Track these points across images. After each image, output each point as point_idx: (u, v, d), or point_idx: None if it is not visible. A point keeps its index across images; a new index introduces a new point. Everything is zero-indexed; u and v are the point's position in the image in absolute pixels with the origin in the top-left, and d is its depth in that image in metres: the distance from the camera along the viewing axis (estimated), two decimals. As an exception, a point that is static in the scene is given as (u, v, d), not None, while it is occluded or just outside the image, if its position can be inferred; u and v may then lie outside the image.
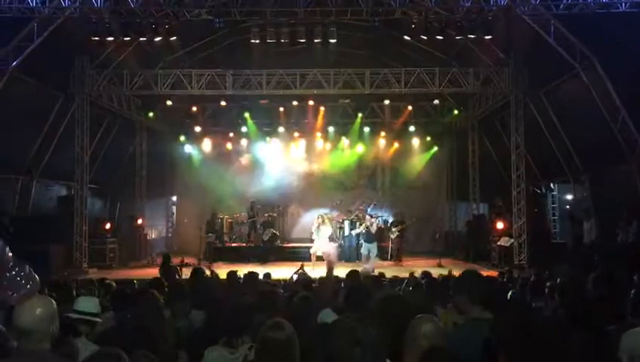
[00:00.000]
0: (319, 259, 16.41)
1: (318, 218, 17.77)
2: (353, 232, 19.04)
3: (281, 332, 3.14)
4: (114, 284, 8.59)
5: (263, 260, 18.39)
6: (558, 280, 6.27)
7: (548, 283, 6.51)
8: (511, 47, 16.32)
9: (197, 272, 8.27)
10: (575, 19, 13.98)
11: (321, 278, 8.14)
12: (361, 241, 17.69)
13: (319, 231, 17.32)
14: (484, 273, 10.65)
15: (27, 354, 3.04)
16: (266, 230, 20.32)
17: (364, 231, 17.30)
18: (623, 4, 13.66)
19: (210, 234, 19.71)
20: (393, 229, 19.01)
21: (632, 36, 13.01)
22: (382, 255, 18.73)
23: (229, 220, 21.64)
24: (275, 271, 13.67)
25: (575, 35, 14.19)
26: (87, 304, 4.64)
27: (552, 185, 19.82)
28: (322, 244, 17.08)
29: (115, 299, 6.30)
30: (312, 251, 17.14)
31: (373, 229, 17.17)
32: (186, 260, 17.51)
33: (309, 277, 9.52)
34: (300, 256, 18.52)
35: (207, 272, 9.05)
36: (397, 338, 3.13)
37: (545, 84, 16.53)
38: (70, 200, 17.30)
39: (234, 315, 4.13)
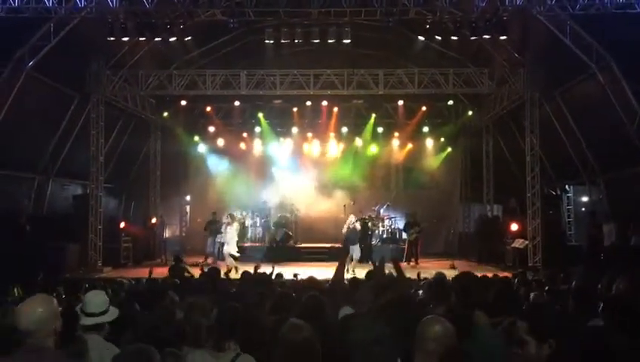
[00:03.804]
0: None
1: (227, 217, 17.41)
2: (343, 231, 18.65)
3: (300, 334, 3.10)
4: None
5: (276, 260, 18.36)
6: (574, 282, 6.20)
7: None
8: (526, 47, 16.20)
9: (212, 272, 8.29)
10: (591, 20, 13.86)
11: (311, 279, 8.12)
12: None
13: (226, 232, 16.91)
14: (501, 274, 10.61)
15: (32, 350, 3.06)
16: (279, 230, 20.35)
17: (346, 230, 17.10)
18: (640, 4, 13.54)
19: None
20: (410, 231, 18.76)
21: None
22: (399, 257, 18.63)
23: (242, 220, 21.69)
24: (289, 271, 13.62)
25: (591, 35, 14.07)
26: (96, 300, 4.50)
27: (567, 187, 19.66)
28: (231, 245, 16.73)
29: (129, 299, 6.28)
30: (225, 252, 16.87)
31: (358, 228, 16.98)
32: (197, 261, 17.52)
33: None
34: (314, 256, 18.54)
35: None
36: (405, 339, 3.12)
37: (560, 84, 16.39)
38: (85, 200, 17.41)
39: (224, 316, 4.02)
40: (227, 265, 15.26)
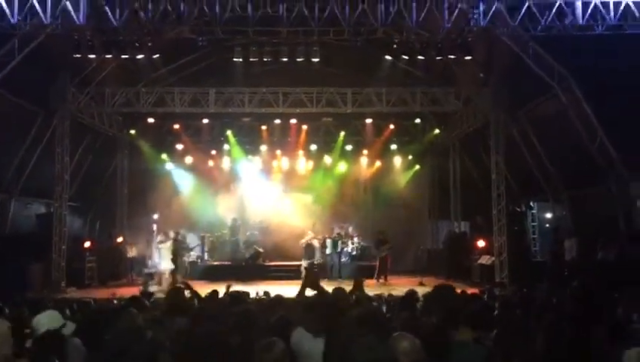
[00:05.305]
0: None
1: (161, 235, 17.49)
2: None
3: (271, 353, 3.12)
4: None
5: (246, 278, 18.20)
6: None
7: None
8: (491, 67, 16.54)
9: (177, 294, 8.11)
10: (553, 41, 14.27)
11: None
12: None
13: (161, 250, 17.02)
14: (469, 290, 10.71)
15: None
16: (249, 248, 20.24)
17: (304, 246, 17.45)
18: (599, 26, 14.00)
19: (191, 254, 19.60)
20: (382, 248, 18.83)
21: (608, 57, 13.32)
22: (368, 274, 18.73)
23: (211, 238, 21.53)
24: (258, 290, 13.52)
25: (553, 56, 14.45)
26: (51, 320, 4.50)
27: (531, 203, 20.02)
28: (166, 264, 16.83)
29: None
30: (160, 269, 16.98)
31: (316, 244, 17.32)
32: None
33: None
34: (284, 274, 18.47)
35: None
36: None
37: (524, 104, 16.76)
38: (49, 219, 17.06)
39: (202, 340, 3.95)
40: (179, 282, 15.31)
